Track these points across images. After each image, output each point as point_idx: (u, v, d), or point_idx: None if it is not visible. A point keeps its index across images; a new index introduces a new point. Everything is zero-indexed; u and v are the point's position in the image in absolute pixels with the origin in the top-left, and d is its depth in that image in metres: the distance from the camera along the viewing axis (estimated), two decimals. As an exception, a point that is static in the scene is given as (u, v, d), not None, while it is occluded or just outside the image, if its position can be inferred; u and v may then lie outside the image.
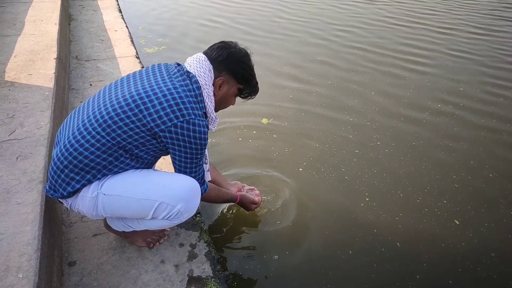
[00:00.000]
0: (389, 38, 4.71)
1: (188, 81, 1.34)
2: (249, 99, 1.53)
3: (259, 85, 1.53)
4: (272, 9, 5.82)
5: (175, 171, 1.41)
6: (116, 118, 1.27)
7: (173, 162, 1.39)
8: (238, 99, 1.54)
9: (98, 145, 1.28)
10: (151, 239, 1.60)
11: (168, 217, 1.41)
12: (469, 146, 2.61)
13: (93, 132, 1.28)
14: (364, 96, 3.27)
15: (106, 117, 1.28)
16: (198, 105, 1.34)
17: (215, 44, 1.45)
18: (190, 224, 1.75)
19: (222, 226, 1.90)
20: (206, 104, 1.39)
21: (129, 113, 1.27)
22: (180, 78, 1.35)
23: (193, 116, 1.28)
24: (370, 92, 3.34)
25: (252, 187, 1.95)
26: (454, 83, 3.56)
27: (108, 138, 1.28)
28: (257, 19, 5.32)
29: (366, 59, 4.05)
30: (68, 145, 1.30)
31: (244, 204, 1.83)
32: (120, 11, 5.00)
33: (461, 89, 3.46)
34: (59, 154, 1.31)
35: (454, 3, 6.55)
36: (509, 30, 5.19)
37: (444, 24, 5.33)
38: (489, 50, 4.40)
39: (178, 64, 1.41)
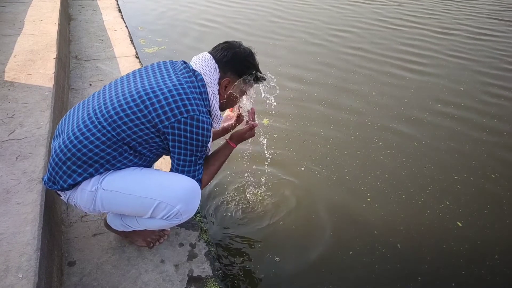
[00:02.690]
0: (388, 39, 4.71)
1: (193, 78, 1.35)
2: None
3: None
4: (269, 10, 5.82)
5: (172, 169, 1.40)
6: (122, 114, 1.26)
7: (172, 158, 1.37)
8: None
9: (103, 138, 1.27)
10: (151, 239, 1.59)
11: (167, 217, 1.40)
12: (471, 147, 2.61)
13: (99, 126, 1.27)
14: (364, 97, 3.26)
15: (112, 112, 1.27)
16: (202, 102, 1.34)
17: (219, 44, 1.45)
18: (190, 224, 1.73)
19: (222, 225, 1.88)
20: (210, 102, 1.38)
21: (135, 109, 1.26)
22: (186, 75, 1.35)
23: (197, 112, 1.28)
24: (371, 92, 3.33)
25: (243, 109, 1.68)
26: (454, 84, 3.56)
27: (113, 133, 1.27)
28: (255, 19, 5.32)
29: (365, 60, 4.04)
30: (72, 137, 1.28)
31: (242, 140, 1.64)
32: (119, 11, 4.99)
33: (462, 89, 3.46)
34: (62, 146, 1.30)
35: (452, 4, 6.56)
36: (508, 32, 5.19)
37: (443, 26, 5.34)
38: (488, 52, 4.40)
39: (184, 62, 1.41)
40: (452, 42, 4.73)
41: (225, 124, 1.73)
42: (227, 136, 1.65)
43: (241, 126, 1.64)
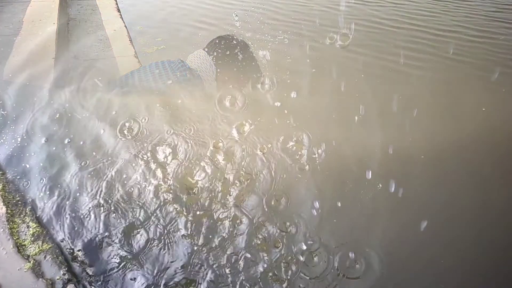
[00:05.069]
0: (385, 41, 4.72)
1: (191, 76, 1.35)
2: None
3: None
4: (265, 11, 5.82)
5: None
6: None
7: None
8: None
9: None
10: None
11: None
12: (470, 148, 2.62)
13: None
14: (362, 98, 3.27)
15: None
16: None
17: (213, 40, 1.46)
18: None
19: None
20: None
21: None
22: (183, 73, 1.35)
23: None
24: (369, 93, 3.34)
25: None
26: (452, 86, 3.57)
27: None
28: (251, 21, 5.32)
29: (361, 62, 4.05)
30: None
31: None
32: (118, 10, 4.96)
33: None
34: None
35: (449, 4, 6.58)
36: (506, 33, 5.22)
37: (441, 26, 5.35)
38: (486, 54, 4.42)
39: (182, 61, 1.42)
40: (449, 44, 4.74)
41: None
42: None
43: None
